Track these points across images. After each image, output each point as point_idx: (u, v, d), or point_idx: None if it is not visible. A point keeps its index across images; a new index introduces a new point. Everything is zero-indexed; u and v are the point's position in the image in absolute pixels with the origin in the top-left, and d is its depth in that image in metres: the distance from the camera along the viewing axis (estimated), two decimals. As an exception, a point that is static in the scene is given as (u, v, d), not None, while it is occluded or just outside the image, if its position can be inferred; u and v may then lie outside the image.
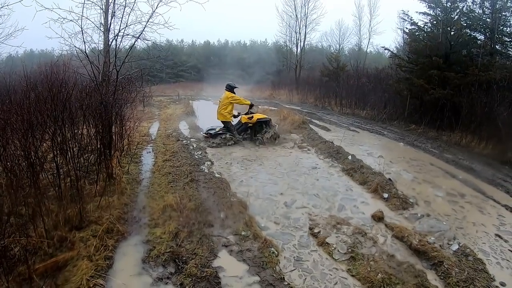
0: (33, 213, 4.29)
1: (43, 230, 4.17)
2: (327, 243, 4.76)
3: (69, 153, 5.35)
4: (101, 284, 3.70)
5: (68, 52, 10.43)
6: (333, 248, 4.63)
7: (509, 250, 4.83)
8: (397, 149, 10.30)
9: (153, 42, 10.74)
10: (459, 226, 5.45)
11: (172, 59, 37.53)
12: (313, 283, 4.02)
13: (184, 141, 10.02)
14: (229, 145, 9.90)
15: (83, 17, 8.84)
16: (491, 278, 4.15)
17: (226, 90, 10.24)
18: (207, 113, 13.76)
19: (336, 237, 4.90)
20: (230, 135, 10.04)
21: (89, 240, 4.35)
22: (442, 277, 4.17)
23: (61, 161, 5.25)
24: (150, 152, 9.07)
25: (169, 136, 10.76)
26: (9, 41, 10.63)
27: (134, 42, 9.66)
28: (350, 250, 4.59)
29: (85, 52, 9.12)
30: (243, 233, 4.87)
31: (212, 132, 10.11)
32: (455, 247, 4.77)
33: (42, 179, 5.12)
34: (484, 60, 12.07)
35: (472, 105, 11.22)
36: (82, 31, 8.91)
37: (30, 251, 3.76)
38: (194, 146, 9.51)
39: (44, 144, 5.48)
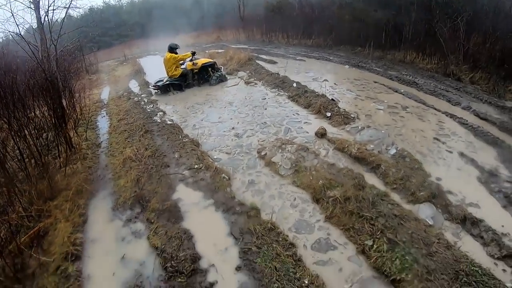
0: (8, 198, 4.53)
1: (21, 209, 4.46)
2: (273, 162, 5.28)
3: (28, 136, 5.47)
4: (80, 237, 4.14)
5: (3, 38, 10.23)
6: (278, 166, 5.16)
7: (446, 150, 5.42)
8: (342, 71, 10.70)
9: (89, 8, 10.64)
10: (398, 133, 5.99)
11: (112, 20, 35.79)
12: (260, 195, 4.63)
13: (135, 99, 10.07)
14: (176, 92, 10.13)
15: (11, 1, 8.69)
16: (427, 175, 4.73)
17: (168, 51, 10.21)
18: (155, 67, 13.66)
19: (281, 155, 5.39)
20: (177, 83, 10.19)
21: (62, 205, 4.70)
22: (380, 178, 4.77)
23: (22, 145, 5.38)
24: (104, 116, 9.09)
25: (120, 97, 10.70)
26: None
27: (66, 13, 9.54)
28: (294, 165, 5.11)
29: (21, 34, 8.97)
30: (196, 166, 5.34)
31: (160, 84, 10.18)
32: (392, 151, 5.34)
33: (9, 167, 5.26)
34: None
35: (413, 23, 11.54)
36: (12, 14, 8.77)
37: (14, 231, 4.07)
38: (146, 101, 9.61)
39: (3, 133, 5.59)
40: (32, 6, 9.58)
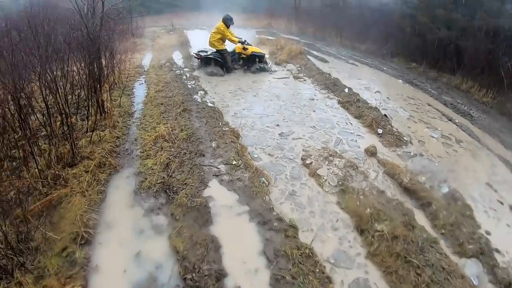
0: (25, 154, 4.25)
1: (36, 171, 4.14)
2: (318, 174, 4.77)
3: (59, 91, 5.09)
4: (94, 218, 3.74)
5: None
6: (324, 180, 4.66)
7: (497, 200, 4.80)
8: (396, 86, 10.03)
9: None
10: (451, 169, 5.39)
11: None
12: (300, 210, 4.14)
13: (178, 71, 9.70)
14: (220, 75, 9.58)
15: None
16: (477, 225, 4.17)
17: (221, 21, 9.74)
18: (202, 42, 13.31)
19: (328, 169, 4.90)
20: (221, 60, 9.71)
21: (81, 176, 4.35)
22: (429, 218, 4.22)
23: (51, 100, 5.04)
24: (142, 83, 8.75)
25: (162, 66, 10.37)
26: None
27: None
28: (340, 183, 4.60)
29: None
30: (234, 162, 4.86)
31: (202, 54, 9.74)
32: (445, 189, 4.78)
33: (34, 120, 5.01)
34: (494, 7, 11.36)
35: (476, 50, 10.75)
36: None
37: (24, 193, 3.78)
38: (188, 76, 9.22)
39: (34, 85, 5.22)
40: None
